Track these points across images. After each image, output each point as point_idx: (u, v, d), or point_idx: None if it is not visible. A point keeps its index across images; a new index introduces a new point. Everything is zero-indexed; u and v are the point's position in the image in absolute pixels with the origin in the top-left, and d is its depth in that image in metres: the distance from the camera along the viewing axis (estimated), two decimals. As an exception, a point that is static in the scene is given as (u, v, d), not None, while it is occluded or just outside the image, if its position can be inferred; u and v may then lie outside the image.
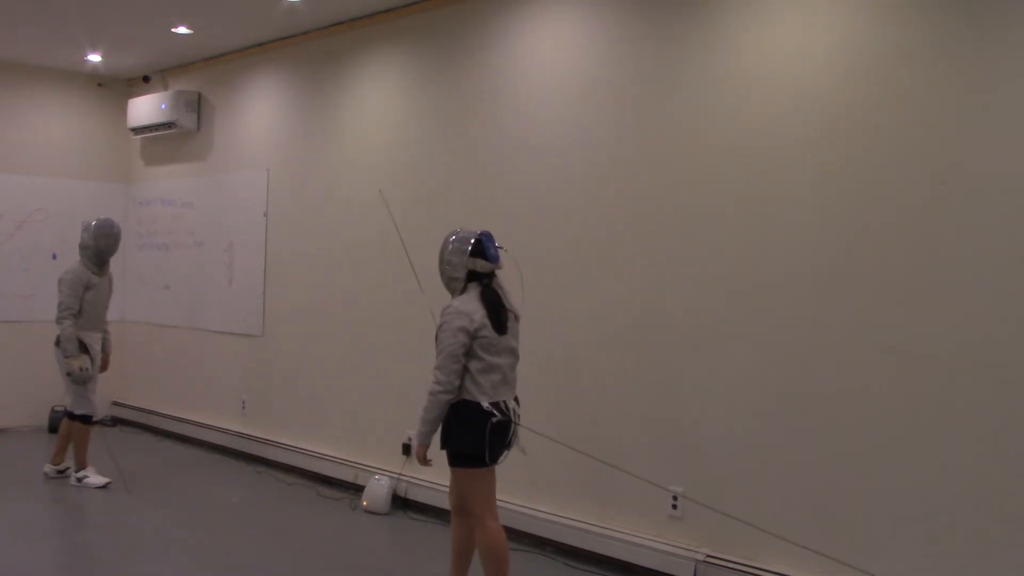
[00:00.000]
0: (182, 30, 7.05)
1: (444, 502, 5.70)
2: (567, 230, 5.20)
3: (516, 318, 4.08)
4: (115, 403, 8.99)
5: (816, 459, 4.15)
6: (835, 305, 4.10)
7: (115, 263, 9.06)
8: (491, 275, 3.99)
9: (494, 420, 3.85)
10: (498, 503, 5.37)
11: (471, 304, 3.88)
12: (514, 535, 5.28)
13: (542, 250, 5.31)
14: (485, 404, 3.85)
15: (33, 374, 8.54)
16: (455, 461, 3.95)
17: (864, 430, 4.00)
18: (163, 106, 8.11)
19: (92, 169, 8.95)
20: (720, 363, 4.49)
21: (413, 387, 6.05)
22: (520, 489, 5.37)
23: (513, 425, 3.96)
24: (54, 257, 8.66)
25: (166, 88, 8.45)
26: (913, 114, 3.88)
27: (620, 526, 4.85)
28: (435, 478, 5.87)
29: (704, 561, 4.46)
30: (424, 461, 4.01)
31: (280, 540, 5.39)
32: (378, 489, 6.01)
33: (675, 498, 4.65)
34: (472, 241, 3.96)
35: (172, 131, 8.18)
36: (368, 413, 6.43)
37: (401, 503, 6.01)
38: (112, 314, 9.01)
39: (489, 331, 3.86)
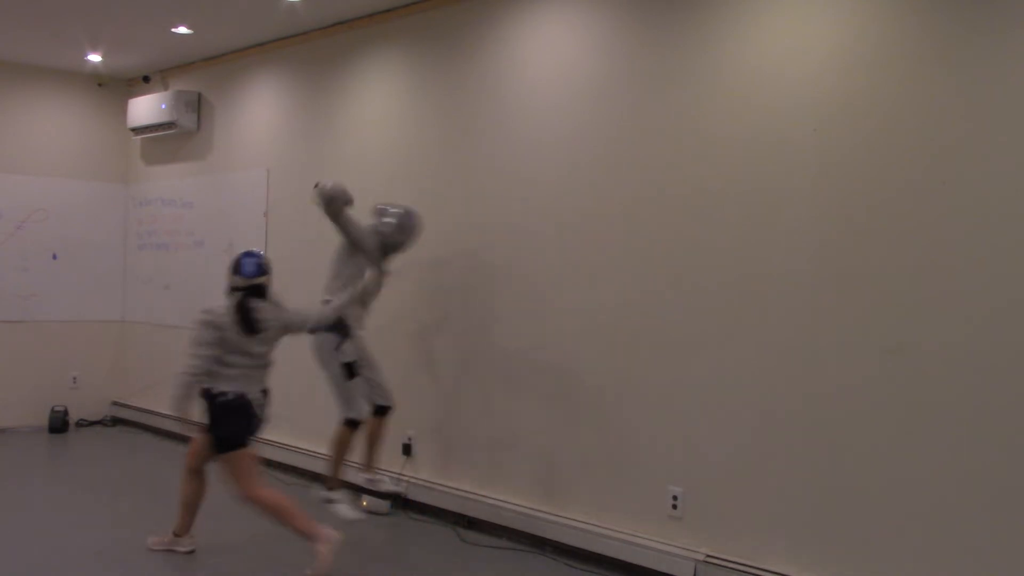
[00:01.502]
0: (182, 30, 7.05)
1: (444, 502, 5.72)
2: (566, 228, 5.20)
3: (280, 327, 4.82)
4: (115, 403, 8.99)
5: (816, 458, 4.15)
6: (834, 303, 4.09)
7: (115, 263, 9.14)
8: (251, 288, 4.69)
9: (228, 400, 4.56)
10: (501, 502, 5.40)
11: (222, 308, 4.62)
12: (514, 535, 5.29)
13: (541, 247, 5.31)
14: (231, 393, 4.57)
15: (33, 374, 8.55)
16: (222, 448, 4.61)
17: (864, 429, 3.99)
18: (163, 106, 8.11)
19: (92, 169, 8.95)
20: (719, 362, 4.49)
21: (413, 387, 6.05)
22: (520, 489, 5.37)
23: (262, 409, 4.75)
24: (54, 257, 8.67)
25: (166, 88, 8.45)
26: (913, 112, 3.88)
27: (620, 526, 4.85)
28: (435, 478, 5.87)
29: (704, 561, 4.46)
30: (184, 418, 4.61)
31: (280, 540, 5.38)
32: (378, 489, 6.00)
33: (675, 498, 4.65)
34: (234, 259, 4.74)
35: (172, 131, 8.18)
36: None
37: (401, 503, 6.01)
38: (112, 314, 9.08)
39: (233, 333, 4.57)
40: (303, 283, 7.09)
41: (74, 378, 8.84)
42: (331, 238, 6.84)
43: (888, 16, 3.97)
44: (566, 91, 5.23)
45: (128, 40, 7.48)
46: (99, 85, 8.88)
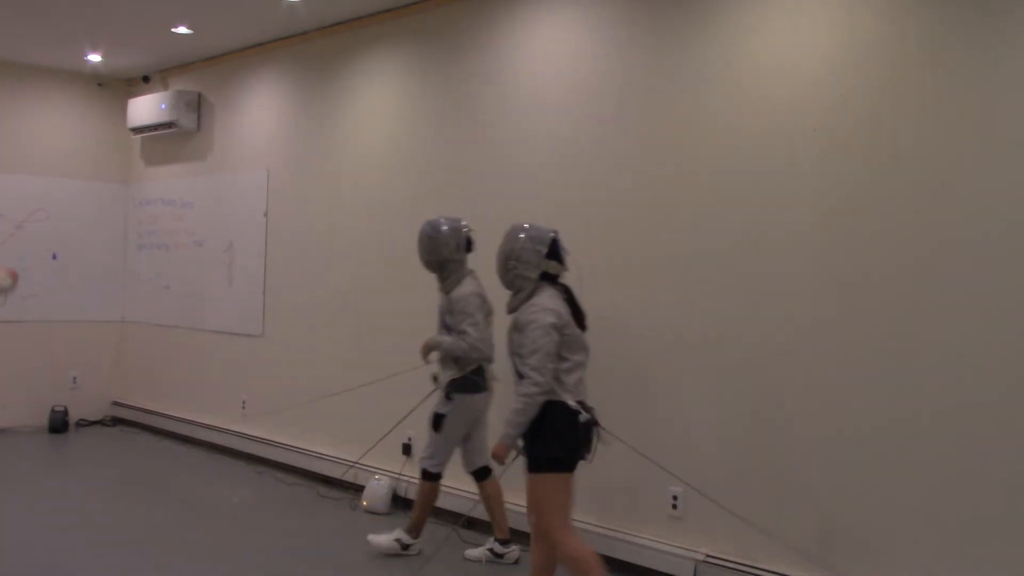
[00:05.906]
0: (182, 30, 7.05)
1: (444, 502, 5.70)
2: (566, 228, 5.19)
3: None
4: (115, 403, 8.99)
5: (814, 459, 4.15)
6: (833, 304, 4.09)
7: (115, 263, 9.13)
8: (558, 276, 4.04)
9: (582, 419, 3.80)
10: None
11: (555, 302, 3.89)
12: (514, 535, 5.28)
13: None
14: (572, 403, 3.82)
15: (33, 374, 8.54)
16: (539, 466, 3.83)
17: (862, 430, 3.99)
18: (163, 106, 8.11)
19: (92, 169, 8.94)
20: (718, 362, 4.49)
21: (413, 387, 6.05)
22: (520, 489, 5.36)
23: (597, 426, 3.90)
24: (54, 257, 8.67)
25: (166, 88, 8.45)
26: (914, 113, 3.88)
27: (620, 526, 4.85)
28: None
29: (704, 561, 4.46)
30: (504, 460, 3.92)
31: (280, 540, 5.39)
32: (378, 489, 6.01)
33: (675, 498, 4.65)
34: (536, 239, 3.99)
35: (172, 131, 8.17)
36: (368, 413, 6.42)
37: (401, 503, 6.01)
38: (112, 314, 9.08)
39: (573, 328, 3.88)
40: (303, 283, 7.10)
41: (74, 378, 8.84)
42: (331, 239, 6.86)
43: (889, 16, 3.97)
44: (566, 92, 5.22)
45: (128, 40, 7.48)
46: (99, 85, 8.87)
